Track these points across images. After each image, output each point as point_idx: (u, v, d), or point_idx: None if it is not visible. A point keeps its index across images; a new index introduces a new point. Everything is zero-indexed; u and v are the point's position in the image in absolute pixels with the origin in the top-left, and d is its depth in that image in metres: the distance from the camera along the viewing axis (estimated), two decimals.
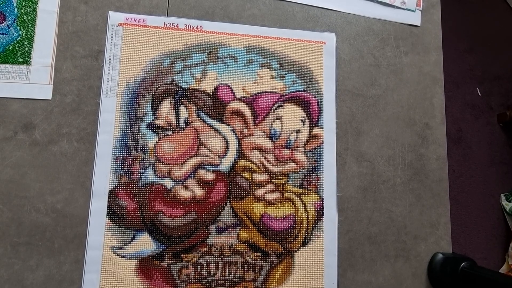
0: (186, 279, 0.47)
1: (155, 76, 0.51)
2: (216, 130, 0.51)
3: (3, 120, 0.47)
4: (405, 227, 0.55)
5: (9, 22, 0.49)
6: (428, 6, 0.62)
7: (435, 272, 0.53)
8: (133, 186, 0.48)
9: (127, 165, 0.48)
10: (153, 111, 0.50)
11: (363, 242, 0.53)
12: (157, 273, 0.47)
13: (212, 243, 0.49)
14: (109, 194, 0.47)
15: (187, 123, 0.51)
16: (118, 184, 0.48)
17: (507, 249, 1.47)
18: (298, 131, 0.53)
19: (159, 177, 0.49)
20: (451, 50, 1.63)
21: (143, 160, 0.49)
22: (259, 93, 0.53)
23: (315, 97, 0.55)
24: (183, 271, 0.48)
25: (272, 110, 0.53)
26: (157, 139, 0.49)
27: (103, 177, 0.47)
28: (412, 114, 0.58)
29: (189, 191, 0.49)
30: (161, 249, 0.47)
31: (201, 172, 0.50)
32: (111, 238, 0.46)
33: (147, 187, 0.48)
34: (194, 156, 0.50)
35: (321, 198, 0.52)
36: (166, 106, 0.50)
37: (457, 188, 1.50)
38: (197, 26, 0.53)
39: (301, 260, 0.51)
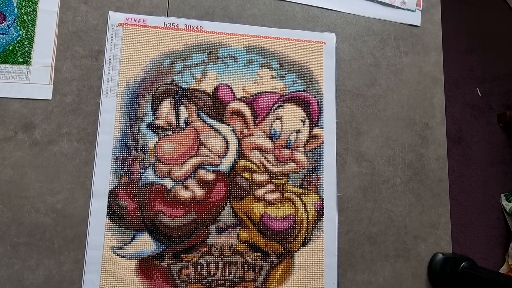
0: (186, 279, 0.47)
1: (155, 76, 0.51)
2: (216, 130, 0.51)
3: (3, 120, 0.47)
4: (405, 227, 0.55)
5: (9, 22, 0.49)
6: (428, 6, 0.62)
7: (435, 272, 0.53)
8: (133, 186, 0.48)
9: (127, 165, 0.48)
10: (153, 111, 0.50)
11: (363, 242, 0.53)
12: (157, 273, 0.47)
13: (212, 243, 0.49)
14: (109, 194, 0.47)
15: (187, 123, 0.51)
16: (118, 184, 0.48)
17: (507, 249, 1.47)
18: (298, 131, 0.53)
19: (159, 177, 0.49)
20: (451, 50, 1.63)
21: (143, 160, 0.49)
22: (259, 93, 0.53)
23: (315, 97, 0.55)
24: (183, 271, 0.48)
25: (272, 110, 0.53)
26: (157, 139, 0.49)
27: (103, 177, 0.47)
28: (412, 114, 0.58)
29: (189, 191, 0.49)
30: (161, 249, 0.47)
31: (201, 172, 0.50)
32: (111, 238, 0.46)
33: (147, 187, 0.48)
34: (194, 156, 0.50)
35: (321, 198, 0.52)
36: (166, 106, 0.50)
37: (457, 188, 1.50)
38: (197, 26, 0.53)
39: (301, 260, 0.51)
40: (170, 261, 0.47)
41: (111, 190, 0.47)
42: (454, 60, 1.63)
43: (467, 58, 1.65)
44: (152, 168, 0.49)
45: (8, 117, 0.47)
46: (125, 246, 0.47)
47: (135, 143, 0.49)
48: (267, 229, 0.50)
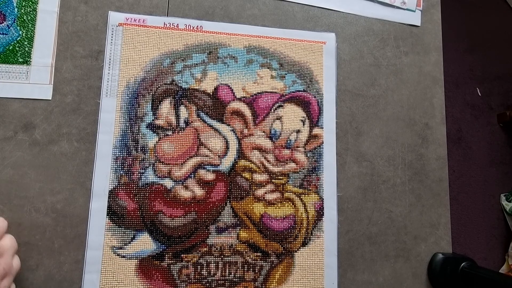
0: (186, 279, 0.47)
1: (155, 76, 0.51)
2: (216, 130, 0.51)
3: (3, 120, 0.47)
4: (405, 227, 0.55)
5: (9, 22, 0.49)
6: (428, 6, 0.62)
7: (435, 272, 0.53)
8: (133, 186, 0.48)
9: (127, 165, 0.48)
10: (153, 111, 0.50)
11: (363, 242, 0.53)
12: (157, 273, 0.47)
13: (212, 243, 0.49)
14: (109, 194, 0.47)
15: (187, 123, 0.51)
16: (118, 184, 0.48)
17: (507, 249, 1.47)
18: (298, 131, 0.53)
19: (159, 177, 0.49)
20: (451, 50, 1.63)
21: (143, 160, 0.49)
22: (259, 93, 0.53)
23: (315, 97, 0.55)
24: (183, 271, 0.48)
25: (272, 110, 0.53)
26: (157, 139, 0.49)
27: (103, 177, 0.47)
28: (412, 114, 0.58)
29: (189, 191, 0.49)
30: (161, 249, 0.47)
31: (201, 172, 0.50)
32: (111, 238, 0.46)
33: (147, 187, 0.48)
34: (194, 156, 0.50)
35: (321, 198, 0.52)
36: (166, 106, 0.50)
37: (457, 188, 1.50)
38: (197, 26, 0.53)
39: (301, 260, 0.51)
40: (170, 261, 0.47)
41: (111, 190, 0.47)
42: (454, 60, 1.63)
43: (467, 58, 1.65)
44: (152, 168, 0.49)
45: (8, 117, 0.47)
46: (125, 246, 0.47)
47: (135, 143, 0.49)
48: (267, 229, 0.50)
